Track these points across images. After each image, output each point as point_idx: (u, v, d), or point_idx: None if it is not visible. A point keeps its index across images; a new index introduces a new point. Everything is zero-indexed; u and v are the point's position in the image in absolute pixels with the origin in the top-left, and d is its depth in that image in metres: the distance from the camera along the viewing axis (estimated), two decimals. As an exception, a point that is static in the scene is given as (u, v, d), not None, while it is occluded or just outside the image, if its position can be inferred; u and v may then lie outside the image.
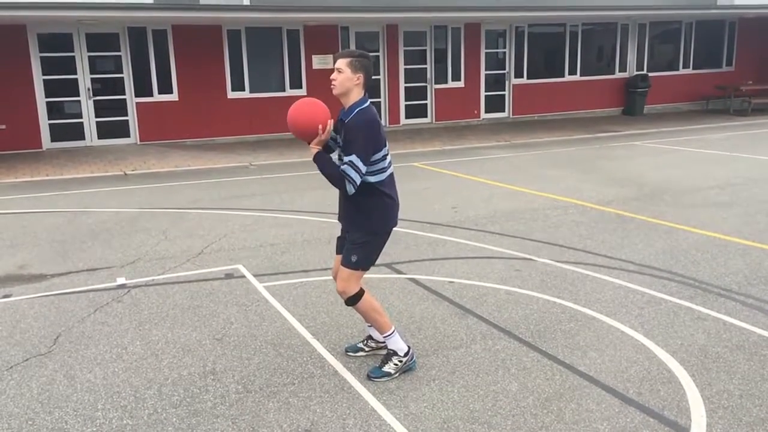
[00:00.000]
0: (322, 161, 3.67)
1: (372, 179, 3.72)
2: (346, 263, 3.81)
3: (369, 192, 3.74)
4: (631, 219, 7.37)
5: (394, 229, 3.89)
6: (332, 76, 3.72)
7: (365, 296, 3.86)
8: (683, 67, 19.68)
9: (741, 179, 9.43)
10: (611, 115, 18.78)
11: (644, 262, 5.85)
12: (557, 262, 5.92)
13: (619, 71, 18.88)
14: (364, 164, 3.62)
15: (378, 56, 15.87)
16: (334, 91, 3.74)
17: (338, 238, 4.05)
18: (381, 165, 3.73)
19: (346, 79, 3.68)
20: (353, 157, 3.60)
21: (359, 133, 3.63)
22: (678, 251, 6.16)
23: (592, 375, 3.85)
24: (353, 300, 3.84)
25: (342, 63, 3.68)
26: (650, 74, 18.71)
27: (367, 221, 3.78)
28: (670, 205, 7.98)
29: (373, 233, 3.80)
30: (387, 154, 3.77)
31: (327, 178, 3.69)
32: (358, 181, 3.63)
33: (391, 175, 3.84)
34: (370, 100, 3.78)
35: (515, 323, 4.60)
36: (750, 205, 7.91)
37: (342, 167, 3.62)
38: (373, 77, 3.88)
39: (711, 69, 19.92)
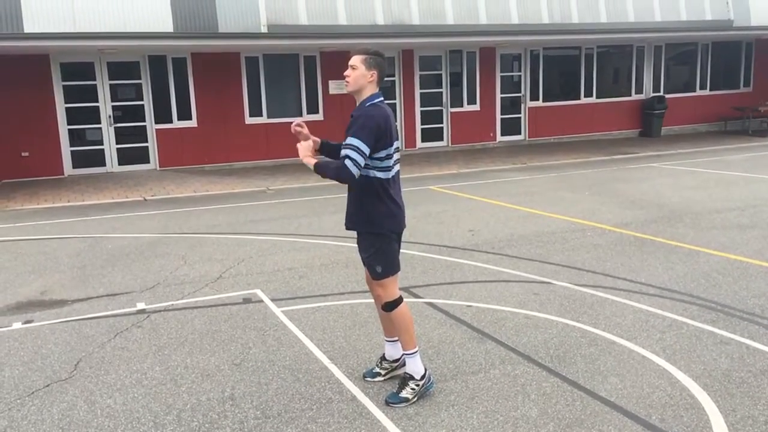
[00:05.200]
0: (321, 165, 3.65)
1: (380, 174, 3.70)
2: (374, 276, 3.85)
3: (375, 194, 3.72)
4: (650, 241, 7.31)
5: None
6: (346, 73, 3.74)
7: (404, 305, 3.88)
8: (700, 89, 19.62)
9: (761, 201, 9.33)
10: (628, 137, 18.72)
11: (664, 285, 5.79)
12: (576, 285, 5.87)
13: (636, 93, 18.85)
14: (366, 145, 3.57)
15: (394, 81, 16.00)
16: (348, 88, 3.77)
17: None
18: (386, 163, 3.72)
19: (360, 75, 3.71)
20: (352, 138, 3.58)
21: (360, 119, 3.63)
22: (698, 274, 6.09)
23: (614, 401, 3.80)
24: (391, 305, 3.86)
25: (356, 60, 3.72)
26: (667, 96, 18.66)
27: (367, 222, 3.77)
28: (689, 227, 7.91)
29: (377, 235, 3.77)
30: (393, 155, 3.75)
31: (334, 178, 3.63)
32: (361, 162, 3.57)
33: (397, 174, 3.82)
34: (384, 101, 3.78)
35: (534, 348, 4.56)
36: (771, 226, 7.81)
37: (342, 151, 3.60)
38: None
39: (728, 90, 19.83)
